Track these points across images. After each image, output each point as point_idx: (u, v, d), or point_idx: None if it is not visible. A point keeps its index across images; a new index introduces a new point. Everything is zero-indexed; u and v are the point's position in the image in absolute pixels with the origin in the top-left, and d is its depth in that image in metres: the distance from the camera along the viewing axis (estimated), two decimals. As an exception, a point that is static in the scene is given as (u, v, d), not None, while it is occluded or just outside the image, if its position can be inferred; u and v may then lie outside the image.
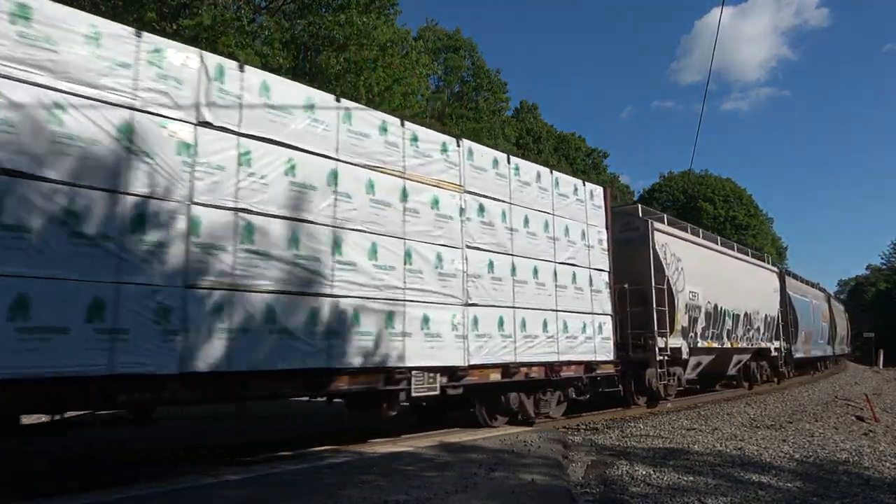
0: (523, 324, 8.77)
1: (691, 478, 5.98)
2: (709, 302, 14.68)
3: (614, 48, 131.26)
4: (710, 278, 14.81)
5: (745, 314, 17.05)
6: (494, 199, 8.76)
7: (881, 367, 41.44)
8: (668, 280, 12.76)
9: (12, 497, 5.02)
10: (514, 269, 8.79)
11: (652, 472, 6.11)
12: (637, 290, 12.05)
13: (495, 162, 8.95)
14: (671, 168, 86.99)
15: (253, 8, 18.25)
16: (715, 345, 14.95)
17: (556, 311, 9.43)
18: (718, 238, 17.72)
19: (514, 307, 8.67)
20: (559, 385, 9.92)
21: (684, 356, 13.16)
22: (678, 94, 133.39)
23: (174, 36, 16.15)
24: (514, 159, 9.35)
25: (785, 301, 21.28)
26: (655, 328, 12.09)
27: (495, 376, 8.37)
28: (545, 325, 9.17)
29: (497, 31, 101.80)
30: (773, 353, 19.65)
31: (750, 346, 17.44)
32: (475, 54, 37.65)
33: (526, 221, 9.22)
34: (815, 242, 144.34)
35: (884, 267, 74.90)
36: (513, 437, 8.07)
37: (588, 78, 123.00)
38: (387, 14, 22.09)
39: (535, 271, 9.18)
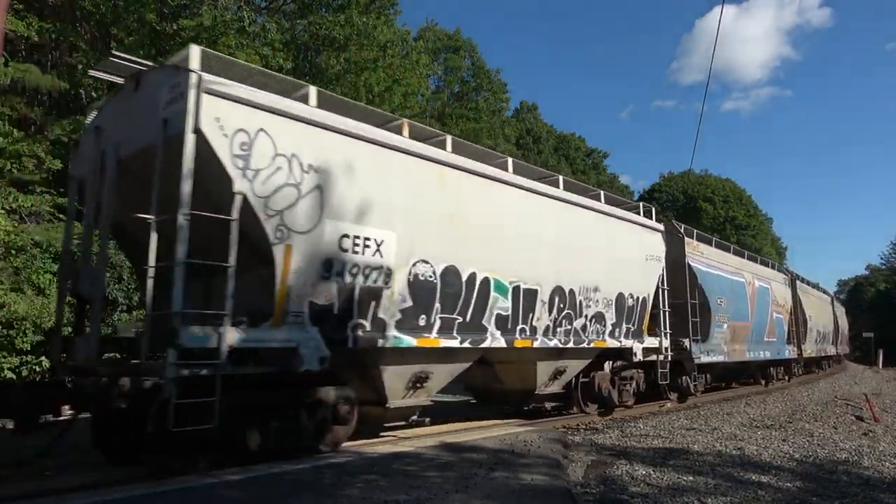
0: None
1: (691, 477, 5.99)
2: (424, 262, 7.53)
3: (614, 48, 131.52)
4: (433, 218, 7.71)
5: (561, 292, 9.65)
6: None
7: (881, 367, 41.44)
8: (253, 208, 5.99)
9: (12, 497, 5.03)
10: None
11: (652, 472, 6.13)
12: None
13: None
14: (671, 168, 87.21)
15: (253, 8, 18.28)
16: (455, 342, 7.89)
17: None
18: (510, 160, 9.41)
19: None
20: None
21: (308, 365, 6.22)
22: (679, 93, 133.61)
23: (174, 36, 16.32)
24: None
25: (684, 276, 14.11)
26: (177, 307, 5.45)
27: None
28: None
29: (497, 31, 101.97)
30: (640, 358, 11.73)
31: (580, 345, 10.11)
32: (475, 54, 37.77)
33: None
34: (815, 242, 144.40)
35: (883, 267, 74.93)
36: (513, 436, 8.08)
37: (588, 78, 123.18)
38: (387, 14, 22.17)
39: None
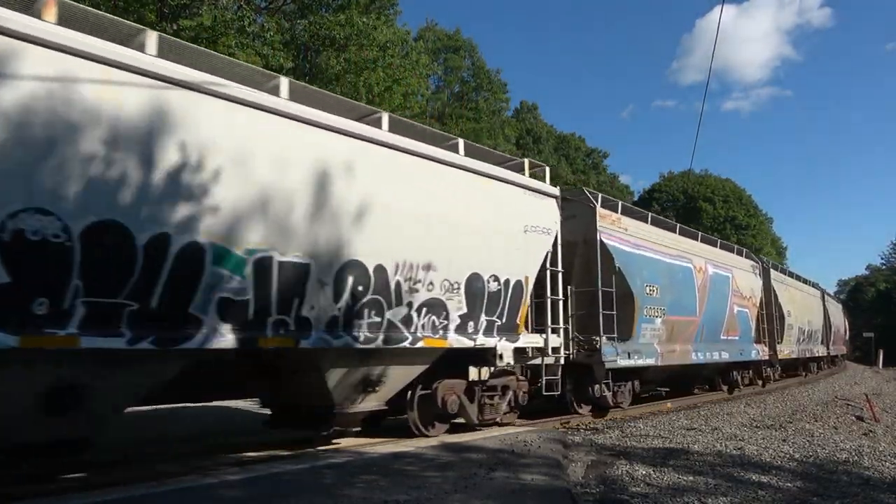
0: None
1: (691, 478, 5.99)
2: (43, 213, 4.69)
3: (614, 48, 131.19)
4: (70, 143, 4.85)
5: (362, 269, 6.87)
6: None
7: (881, 367, 41.46)
8: None
9: (11, 497, 5.02)
10: None
11: (652, 472, 6.12)
12: None
13: None
14: (671, 168, 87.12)
15: (253, 8, 18.29)
16: (120, 342, 5.06)
17: None
18: (287, 81, 6.58)
19: None
20: None
21: None
22: (679, 93, 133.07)
23: (174, 37, 16.30)
24: None
25: (595, 258, 11.01)
26: None
27: None
28: None
29: (497, 31, 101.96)
30: (510, 361, 8.82)
31: (400, 344, 7.23)
32: (475, 54, 37.89)
33: None
34: (815, 242, 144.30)
35: (884, 267, 74.99)
36: (513, 437, 8.08)
37: (588, 78, 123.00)
38: (387, 14, 22.19)
39: None
